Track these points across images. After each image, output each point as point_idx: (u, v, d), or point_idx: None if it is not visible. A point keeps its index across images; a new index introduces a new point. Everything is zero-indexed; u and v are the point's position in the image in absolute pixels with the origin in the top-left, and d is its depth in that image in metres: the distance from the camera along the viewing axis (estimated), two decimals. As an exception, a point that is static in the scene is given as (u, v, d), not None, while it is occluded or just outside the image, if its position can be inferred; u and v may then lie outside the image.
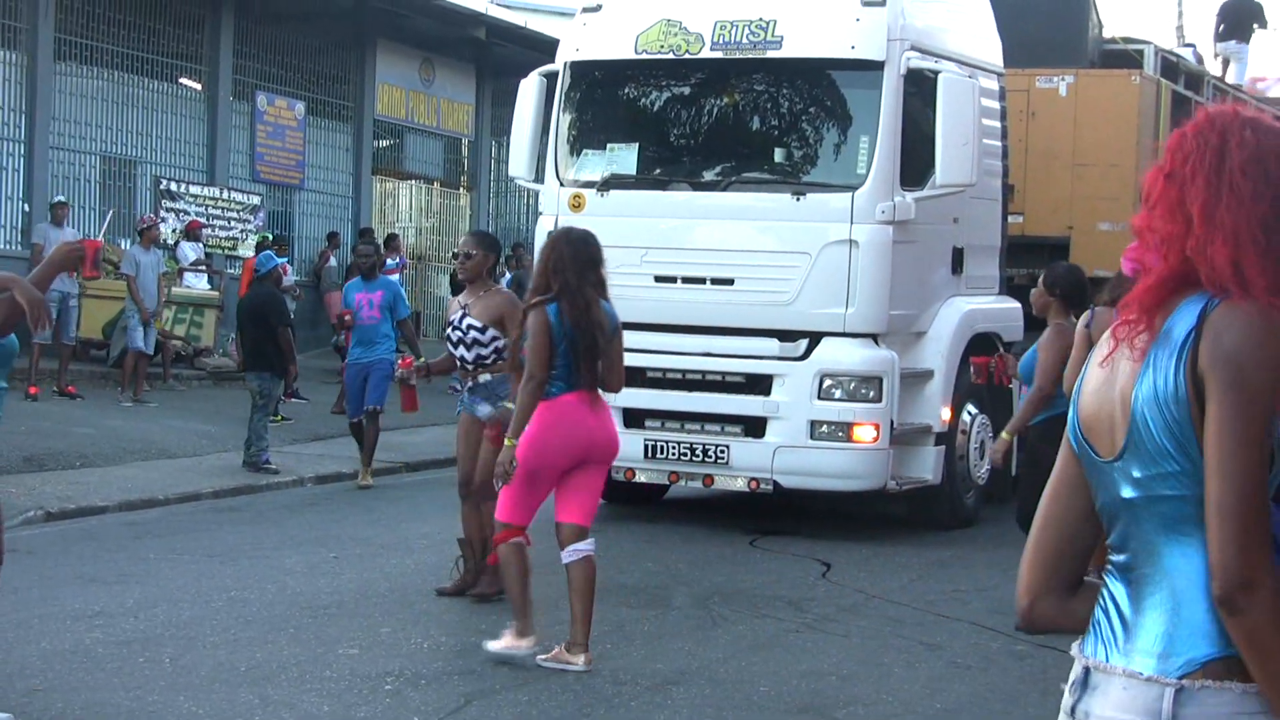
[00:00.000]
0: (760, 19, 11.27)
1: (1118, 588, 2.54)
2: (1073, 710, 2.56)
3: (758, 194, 11.39)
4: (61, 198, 17.95)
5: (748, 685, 7.34)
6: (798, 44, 11.21)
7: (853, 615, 8.94)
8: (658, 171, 11.82)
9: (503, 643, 7.50)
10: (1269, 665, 2.34)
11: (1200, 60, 18.79)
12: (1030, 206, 13.67)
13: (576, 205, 11.49)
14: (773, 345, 11.12)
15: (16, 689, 6.84)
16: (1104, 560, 2.60)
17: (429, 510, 12.12)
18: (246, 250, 20.61)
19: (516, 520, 7.47)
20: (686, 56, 11.48)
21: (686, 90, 11.92)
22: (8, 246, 18.49)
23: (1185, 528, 2.43)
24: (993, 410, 11.96)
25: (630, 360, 10.59)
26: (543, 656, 7.44)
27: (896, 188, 11.00)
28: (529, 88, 11.93)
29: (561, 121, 11.88)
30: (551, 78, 11.90)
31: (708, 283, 11.29)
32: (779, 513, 12.01)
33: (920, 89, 11.07)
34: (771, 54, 11.28)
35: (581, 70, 11.89)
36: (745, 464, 11.14)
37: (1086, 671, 2.55)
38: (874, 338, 11.13)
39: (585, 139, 12.03)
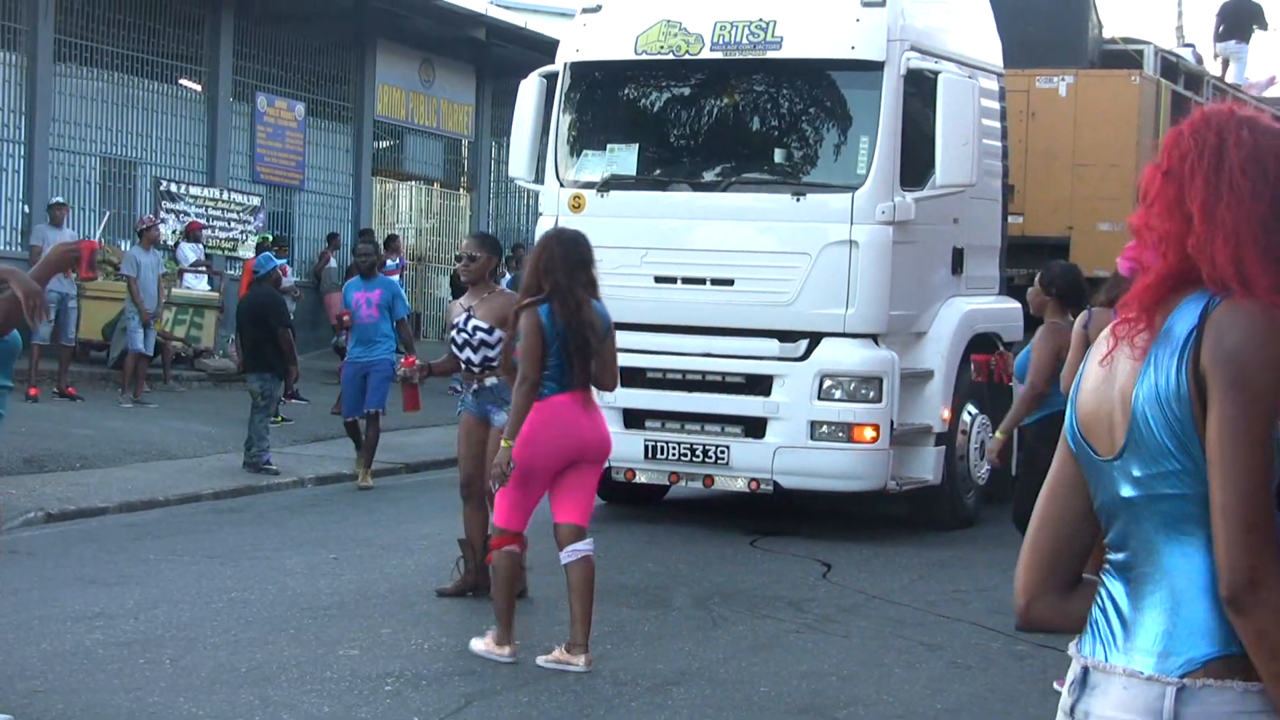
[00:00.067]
0: (760, 19, 11.28)
1: (1116, 587, 2.53)
2: (1072, 710, 2.55)
3: (758, 194, 11.39)
4: (60, 199, 17.92)
5: (748, 686, 7.34)
6: (797, 44, 11.21)
7: (853, 616, 8.94)
8: (658, 172, 11.82)
9: (483, 644, 7.56)
10: (1275, 664, 2.33)
11: (1200, 60, 18.79)
12: (1030, 207, 13.67)
13: (576, 206, 11.49)
14: (773, 346, 11.12)
15: (17, 690, 6.84)
16: (1102, 560, 2.59)
17: (429, 511, 12.12)
18: (246, 251, 20.60)
19: (512, 526, 7.48)
20: (686, 57, 11.48)
21: (686, 91, 11.92)
22: (7, 248, 18.48)
23: (1186, 527, 2.43)
24: (993, 410, 11.95)
25: (630, 361, 10.66)
26: (543, 657, 7.45)
27: (896, 188, 11.00)
28: (529, 88, 11.93)
29: (561, 122, 11.88)
30: (551, 78, 11.90)
31: (708, 283, 11.29)
32: (779, 513, 12.01)
33: (920, 89, 11.07)
34: (771, 54, 11.28)
35: (581, 71, 11.89)
36: (745, 464, 11.14)
37: (1085, 671, 2.55)
38: (874, 338, 11.13)
39: (585, 140, 12.03)
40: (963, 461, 11.92)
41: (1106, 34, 15.61)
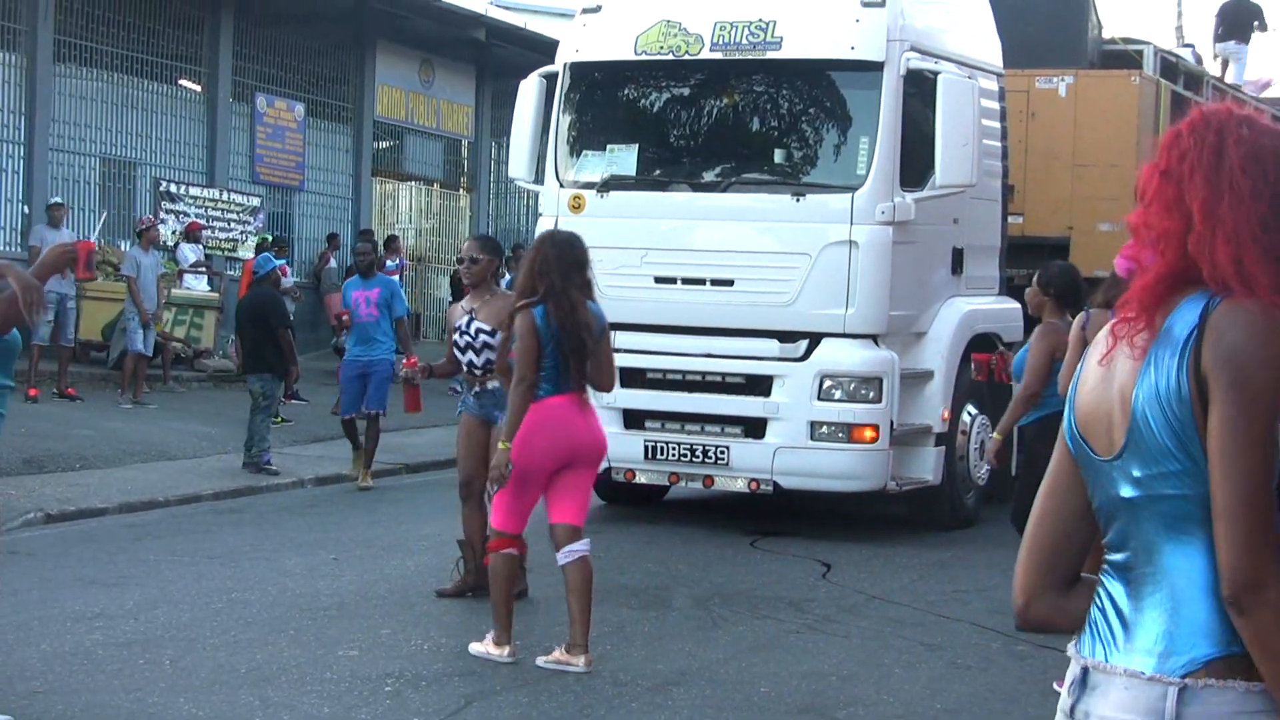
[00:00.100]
0: (760, 20, 11.27)
1: (1116, 587, 2.53)
2: (1072, 711, 2.55)
3: (757, 195, 11.38)
4: (58, 199, 17.93)
5: (748, 686, 7.34)
6: (797, 45, 11.20)
7: (853, 616, 8.93)
8: (657, 172, 11.82)
9: (482, 646, 7.58)
10: (1277, 664, 2.33)
11: (1199, 60, 18.80)
12: (1030, 207, 13.67)
13: (576, 206, 11.49)
14: (773, 346, 11.11)
15: (16, 691, 6.84)
16: (1101, 560, 2.59)
17: (429, 512, 12.11)
18: (246, 252, 20.61)
19: (510, 529, 7.49)
20: (686, 57, 11.48)
21: (686, 91, 11.92)
22: (7, 249, 18.47)
23: (1186, 527, 2.42)
24: (993, 410, 11.93)
25: (630, 361, 10.67)
26: (543, 658, 7.45)
27: (896, 188, 11.00)
28: (529, 89, 11.93)
29: (561, 123, 11.87)
30: (551, 79, 11.90)
31: (708, 284, 11.28)
32: (779, 513, 12.01)
33: (920, 90, 11.06)
34: (771, 55, 11.27)
35: (581, 71, 11.89)
36: (745, 465, 11.14)
37: (1085, 671, 2.54)
38: (874, 338, 11.13)
39: (585, 140, 12.03)
40: (962, 462, 11.92)
41: (1106, 34, 15.62)
